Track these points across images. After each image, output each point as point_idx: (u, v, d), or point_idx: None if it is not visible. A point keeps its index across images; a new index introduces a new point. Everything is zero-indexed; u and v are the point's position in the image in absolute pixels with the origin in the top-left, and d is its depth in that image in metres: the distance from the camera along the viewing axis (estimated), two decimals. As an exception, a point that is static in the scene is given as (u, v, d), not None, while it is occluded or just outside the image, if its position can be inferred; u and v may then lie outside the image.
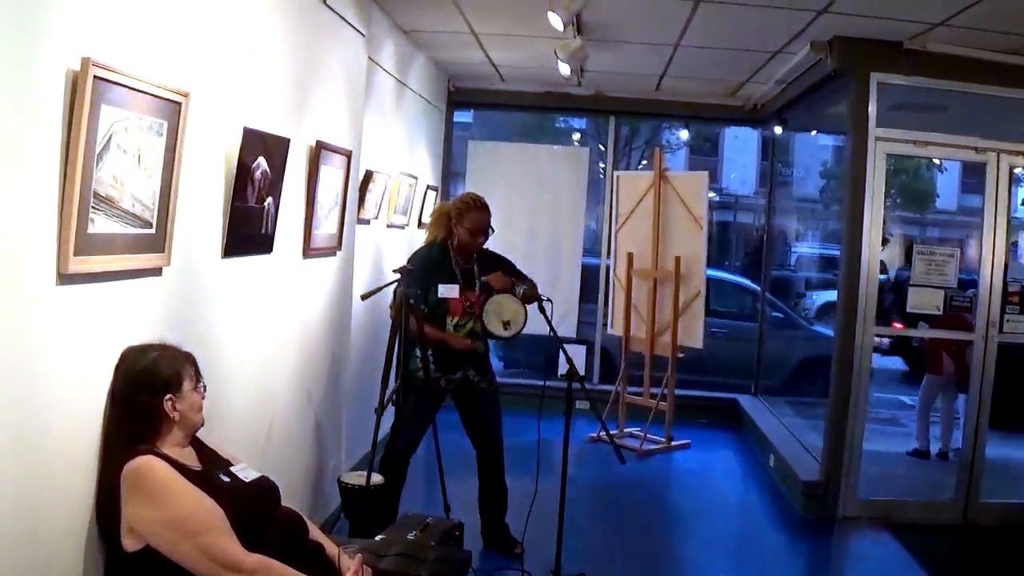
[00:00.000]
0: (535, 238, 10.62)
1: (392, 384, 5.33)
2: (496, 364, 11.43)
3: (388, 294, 5.70)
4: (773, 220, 11.82)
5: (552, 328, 5.30)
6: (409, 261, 5.68)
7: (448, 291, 5.77)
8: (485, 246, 5.94)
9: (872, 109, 7.27)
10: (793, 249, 20.03)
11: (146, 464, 3.28)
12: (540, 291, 5.62)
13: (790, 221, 19.07)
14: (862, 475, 7.45)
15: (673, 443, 9.44)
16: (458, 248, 5.83)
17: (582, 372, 6.17)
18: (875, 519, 7.37)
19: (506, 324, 5.66)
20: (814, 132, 13.48)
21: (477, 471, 6.12)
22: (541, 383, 6.23)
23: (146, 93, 3.36)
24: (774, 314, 12.01)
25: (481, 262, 5.90)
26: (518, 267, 6.04)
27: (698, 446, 9.62)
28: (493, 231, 5.87)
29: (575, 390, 5.27)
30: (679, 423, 9.81)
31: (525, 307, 5.63)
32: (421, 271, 5.60)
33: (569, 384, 5.26)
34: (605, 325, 10.67)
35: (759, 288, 11.78)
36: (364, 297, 5.67)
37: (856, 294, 7.37)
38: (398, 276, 5.35)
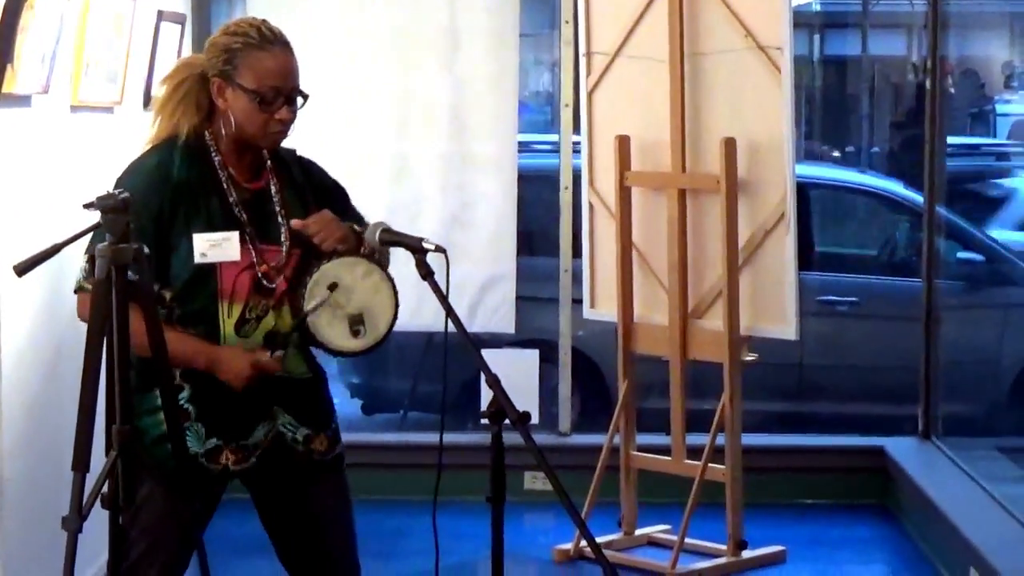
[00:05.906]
0: (407, 124, 6.65)
1: (103, 461, 3.47)
2: (343, 403, 7.53)
3: (74, 261, 3.85)
4: (945, 43, 6.93)
5: (454, 317, 3.59)
6: (121, 184, 3.81)
7: (215, 247, 3.90)
8: (292, 143, 3.86)
9: None
10: (1000, 104, 12.71)
11: None
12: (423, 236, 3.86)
13: (992, 41, 12.18)
14: None
15: (746, 552, 6.31)
16: (231, 144, 3.93)
17: (531, 409, 4.05)
18: None
19: (357, 323, 3.91)
20: None
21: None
22: (435, 439, 4.53)
23: None
24: (962, 257, 7.92)
25: (284, 178, 3.97)
26: (354, 203, 4.10)
27: (803, 554, 6.51)
28: (306, 97, 3.84)
29: (513, 449, 3.55)
30: (756, 509, 6.43)
31: (392, 282, 3.91)
32: (152, 205, 3.80)
33: (496, 435, 3.53)
34: (579, 302, 6.60)
35: (921, 202, 7.44)
36: (22, 270, 3.85)
37: None
38: (98, 221, 3.57)
